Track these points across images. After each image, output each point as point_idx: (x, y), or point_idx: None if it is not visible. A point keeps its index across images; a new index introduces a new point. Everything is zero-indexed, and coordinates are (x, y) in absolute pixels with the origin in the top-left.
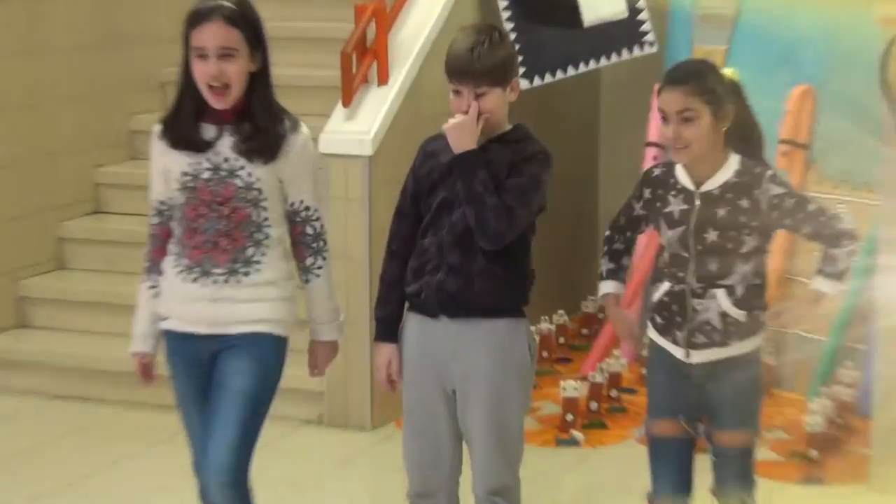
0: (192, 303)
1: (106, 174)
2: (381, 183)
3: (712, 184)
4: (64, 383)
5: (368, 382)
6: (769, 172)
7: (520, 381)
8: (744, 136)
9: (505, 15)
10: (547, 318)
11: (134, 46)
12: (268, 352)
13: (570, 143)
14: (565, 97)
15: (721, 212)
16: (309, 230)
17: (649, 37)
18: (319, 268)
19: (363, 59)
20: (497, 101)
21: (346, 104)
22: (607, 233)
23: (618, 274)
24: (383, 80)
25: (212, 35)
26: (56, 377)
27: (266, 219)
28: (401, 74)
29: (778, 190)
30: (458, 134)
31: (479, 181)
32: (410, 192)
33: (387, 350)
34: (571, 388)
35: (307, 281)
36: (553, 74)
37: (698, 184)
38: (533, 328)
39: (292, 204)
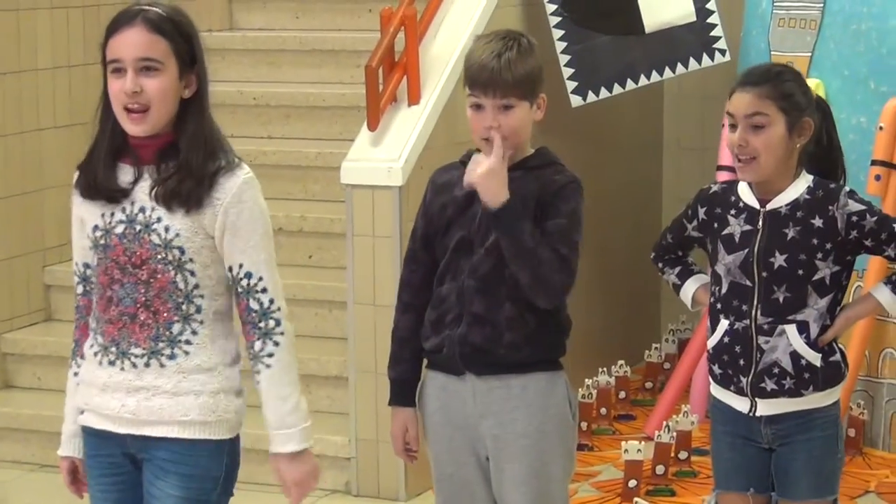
0: (109, 392)
1: None
2: (414, 218)
3: (780, 201)
4: (54, 452)
5: None
6: (846, 188)
7: (561, 441)
8: (822, 163)
9: (553, 21)
10: (605, 369)
11: None
12: (204, 465)
13: (629, 167)
14: (623, 114)
15: (790, 232)
16: (253, 305)
17: (721, 44)
18: (270, 355)
19: (391, 74)
20: (524, 118)
21: (371, 127)
22: (652, 254)
23: (691, 270)
24: (414, 98)
25: (130, 43)
26: (44, 445)
27: (196, 286)
28: (434, 92)
29: (857, 207)
30: (490, 184)
31: (528, 235)
32: (421, 232)
33: (402, 416)
34: (634, 449)
35: (257, 373)
36: (609, 89)
37: (764, 202)
38: (589, 381)
39: (230, 269)
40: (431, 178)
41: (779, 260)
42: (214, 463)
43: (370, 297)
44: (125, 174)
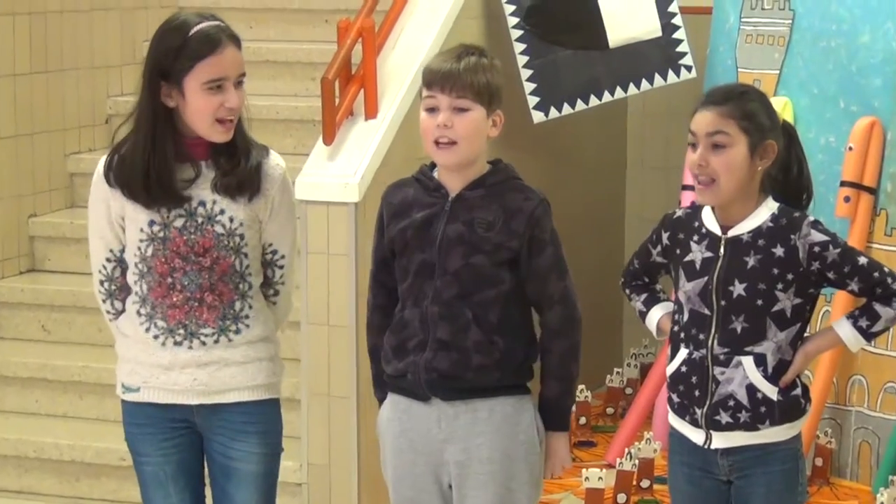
0: (177, 370)
1: (41, 225)
2: (370, 235)
3: (742, 228)
4: None
5: (355, 470)
6: (811, 218)
7: (528, 468)
8: (788, 189)
9: (515, 34)
10: None
11: (73, 74)
12: (272, 422)
13: (591, 186)
14: (585, 131)
15: (750, 261)
16: (268, 273)
17: (687, 60)
18: (275, 294)
19: (347, 87)
20: (479, 123)
21: (327, 141)
22: (621, 280)
23: (657, 298)
24: (371, 112)
25: (232, 62)
26: None
27: (248, 266)
28: (392, 106)
29: (820, 237)
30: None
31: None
32: (379, 255)
33: None
34: (595, 477)
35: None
36: (572, 105)
37: (726, 228)
38: None
39: (263, 245)
40: (385, 196)
41: (738, 289)
42: (277, 417)
43: (324, 317)
44: (184, 172)
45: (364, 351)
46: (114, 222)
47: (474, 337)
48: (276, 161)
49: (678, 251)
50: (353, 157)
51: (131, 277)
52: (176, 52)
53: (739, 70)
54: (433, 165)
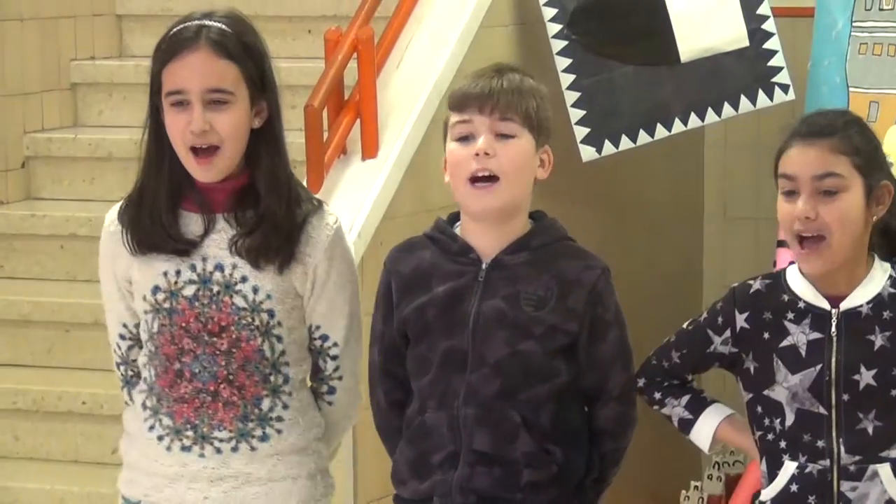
0: (183, 482)
1: None
2: (370, 312)
3: (858, 298)
4: None
5: None
6: None
7: None
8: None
9: (557, 46)
10: None
11: None
12: None
13: (659, 243)
14: (651, 172)
15: (876, 340)
16: (321, 364)
17: (782, 77)
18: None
19: (339, 117)
20: (525, 158)
21: (313, 188)
22: (641, 381)
23: (703, 399)
24: (370, 150)
25: (195, 71)
26: None
27: (282, 353)
28: (397, 142)
29: None
30: None
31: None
32: (389, 343)
33: None
34: None
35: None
36: (633, 138)
37: (834, 300)
38: None
39: (309, 327)
40: (390, 264)
41: (865, 377)
42: None
43: None
44: (192, 223)
45: (360, 469)
46: (122, 288)
47: (524, 447)
48: (326, 221)
49: (766, 335)
50: (348, 209)
51: (141, 359)
52: (154, 53)
53: (851, 90)
54: (453, 219)
